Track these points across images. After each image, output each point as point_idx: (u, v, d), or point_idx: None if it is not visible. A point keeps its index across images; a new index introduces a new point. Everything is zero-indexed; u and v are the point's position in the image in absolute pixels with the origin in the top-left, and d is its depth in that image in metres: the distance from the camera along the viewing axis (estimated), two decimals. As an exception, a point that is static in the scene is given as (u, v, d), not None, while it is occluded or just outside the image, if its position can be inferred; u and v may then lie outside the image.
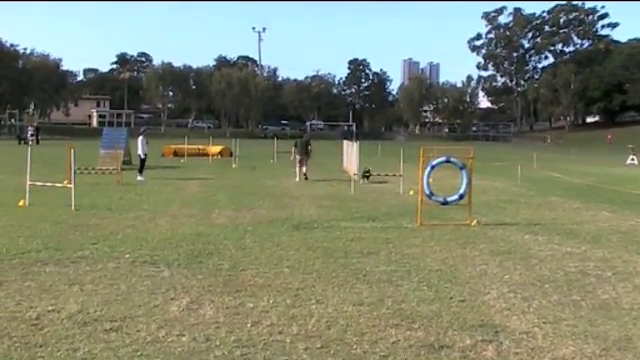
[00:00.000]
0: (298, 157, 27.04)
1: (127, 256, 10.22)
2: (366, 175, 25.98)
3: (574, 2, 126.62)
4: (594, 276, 9.54)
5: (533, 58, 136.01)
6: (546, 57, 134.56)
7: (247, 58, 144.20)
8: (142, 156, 25.19)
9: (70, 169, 17.35)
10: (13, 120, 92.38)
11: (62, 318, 6.97)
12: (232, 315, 7.21)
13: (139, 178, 24.15)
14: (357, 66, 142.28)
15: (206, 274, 9.10)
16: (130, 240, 11.69)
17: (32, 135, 64.09)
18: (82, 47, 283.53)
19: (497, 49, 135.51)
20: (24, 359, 5.87)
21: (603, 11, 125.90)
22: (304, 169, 26.88)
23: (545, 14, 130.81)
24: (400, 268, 9.75)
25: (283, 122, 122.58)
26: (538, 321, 7.26)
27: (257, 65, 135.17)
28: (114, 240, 11.70)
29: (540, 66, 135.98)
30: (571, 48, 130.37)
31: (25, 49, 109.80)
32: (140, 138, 25.70)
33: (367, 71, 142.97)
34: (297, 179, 26.30)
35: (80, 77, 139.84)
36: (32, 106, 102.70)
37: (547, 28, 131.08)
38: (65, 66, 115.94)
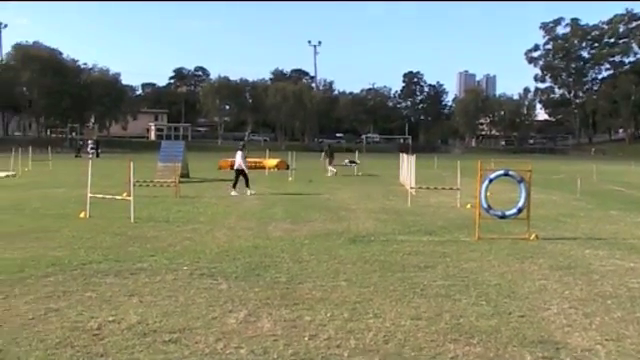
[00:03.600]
0: (327, 160, 40.17)
1: (185, 268, 10.32)
2: (352, 162, 43.56)
3: (635, 11, 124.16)
4: (658, 292, 9.30)
5: (592, 69, 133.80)
6: (606, 68, 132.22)
7: (301, 72, 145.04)
8: (246, 170, 25.09)
9: (129, 182, 17.62)
10: (74, 134, 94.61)
11: (122, 329, 7.06)
12: (289, 328, 7.21)
13: (235, 192, 24.13)
14: (412, 79, 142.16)
15: (263, 287, 9.12)
16: (188, 252, 11.80)
17: (92, 148, 65.44)
18: (140, 62, 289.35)
19: (555, 60, 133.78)
20: (86, 369, 5.98)
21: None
22: (332, 168, 39.57)
23: (604, 25, 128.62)
24: (458, 282, 9.64)
25: (338, 135, 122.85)
26: (600, 338, 7.09)
27: (312, 78, 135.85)
28: (172, 252, 11.82)
29: (599, 77, 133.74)
30: (631, 58, 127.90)
31: (85, 64, 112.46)
32: (239, 153, 25.44)
33: (422, 84, 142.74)
34: (328, 174, 38.63)
35: (139, 91, 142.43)
36: (92, 120, 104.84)
37: (606, 39, 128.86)
38: (124, 81, 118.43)
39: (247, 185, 24.60)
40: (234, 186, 24.63)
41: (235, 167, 25.44)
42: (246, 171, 25.04)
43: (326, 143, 52.65)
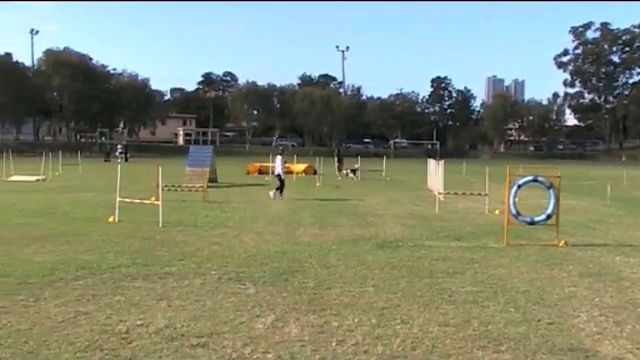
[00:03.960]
0: (337, 164, 42.36)
1: (213, 272, 10.35)
2: (353, 170, 40.96)
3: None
4: (691, 300, 9.17)
5: (622, 74, 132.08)
6: (637, 73, 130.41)
7: (329, 77, 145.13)
8: (282, 176, 25.17)
9: (158, 186, 17.72)
10: (103, 138, 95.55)
11: (150, 332, 7.10)
12: (317, 333, 7.20)
13: (279, 197, 24.14)
14: (440, 84, 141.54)
15: (291, 292, 9.13)
16: (216, 257, 11.84)
17: (121, 153, 65.98)
18: (169, 67, 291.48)
19: (584, 65, 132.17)
20: (115, 373, 6.01)
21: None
22: (344, 171, 41.38)
23: (635, 28, 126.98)
24: (486, 289, 9.58)
25: (366, 140, 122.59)
26: (631, 346, 6.99)
27: (340, 84, 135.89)
28: (200, 256, 11.87)
29: (630, 82, 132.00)
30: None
31: (115, 69, 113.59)
32: (279, 158, 25.53)
33: (450, 89, 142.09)
34: (339, 178, 40.03)
35: (167, 96, 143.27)
36: (121, 125, 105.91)
37: (637, 43, 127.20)
38: (153, 86, 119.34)
39: (280, 190, 24.67)
40: (280, 191, 24.75)
41: (276, 173, 25.46)
42: (282, 177, 25.06)
43: (341, 150, 52.88)
